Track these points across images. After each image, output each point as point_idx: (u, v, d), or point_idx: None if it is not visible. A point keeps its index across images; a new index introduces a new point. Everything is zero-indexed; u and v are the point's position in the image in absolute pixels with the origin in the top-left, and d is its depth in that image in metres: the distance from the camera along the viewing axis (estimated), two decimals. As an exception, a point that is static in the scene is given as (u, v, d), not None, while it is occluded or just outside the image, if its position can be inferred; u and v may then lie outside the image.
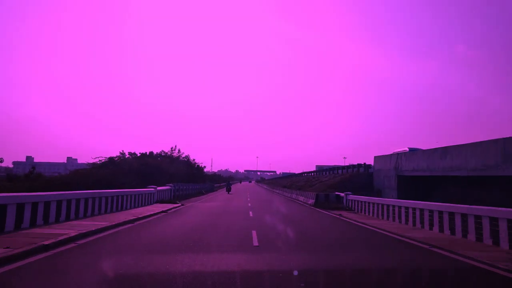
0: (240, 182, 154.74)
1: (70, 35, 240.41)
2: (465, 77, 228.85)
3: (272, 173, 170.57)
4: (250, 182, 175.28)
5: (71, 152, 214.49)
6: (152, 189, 22.39)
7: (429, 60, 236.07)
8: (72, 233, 9.30)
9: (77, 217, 12.86)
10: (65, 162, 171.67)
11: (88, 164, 32.95)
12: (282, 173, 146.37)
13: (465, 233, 10.84)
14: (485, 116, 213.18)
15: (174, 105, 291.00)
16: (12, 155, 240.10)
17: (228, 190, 45.78)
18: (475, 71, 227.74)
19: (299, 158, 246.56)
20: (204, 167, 65.02)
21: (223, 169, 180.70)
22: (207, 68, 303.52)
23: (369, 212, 18.55)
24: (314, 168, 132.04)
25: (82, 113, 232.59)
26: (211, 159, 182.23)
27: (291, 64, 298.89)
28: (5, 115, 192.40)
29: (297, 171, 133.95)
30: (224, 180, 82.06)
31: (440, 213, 12.15)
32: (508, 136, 15.72)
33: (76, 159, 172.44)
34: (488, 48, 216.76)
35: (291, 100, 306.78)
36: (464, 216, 10.94)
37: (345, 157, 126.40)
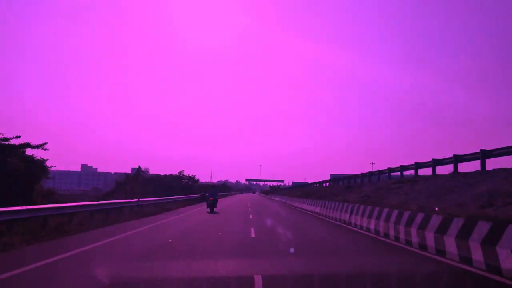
0: (241, 193, 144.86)
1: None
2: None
3: (279, 183, 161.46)
4: (253, 193, 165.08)
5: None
6: None
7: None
8: None
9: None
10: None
11: None
12: (293, 182, 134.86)
13: None
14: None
15: (170, 116, 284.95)
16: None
17: (212, 206, 28.28)
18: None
19: (308, 167, 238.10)
20: None
21: (223, 180, 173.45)
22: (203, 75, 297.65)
23: None
24: (327, 178, 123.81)
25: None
26: (211, 170, 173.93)
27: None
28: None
29: (304, 181, 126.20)
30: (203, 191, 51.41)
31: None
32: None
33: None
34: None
35: (297, 106, 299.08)
36: None
37: (373, 163, 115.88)
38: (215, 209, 28.44)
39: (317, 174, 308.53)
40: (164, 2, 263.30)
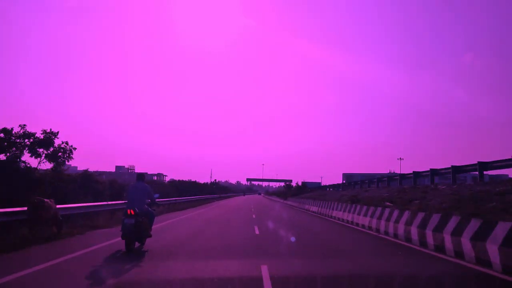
0: (244, 194, 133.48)
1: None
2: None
3: (286, 184, 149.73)
4: (259, 194, 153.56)
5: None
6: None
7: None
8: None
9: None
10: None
11: None
12: (303, 183, 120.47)
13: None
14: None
15: (168, 116, 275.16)
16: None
17: (131, 237, 9.39)
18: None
19: (315, 167, 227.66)
20: None
21: (223, 181, 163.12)
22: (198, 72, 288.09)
23: None
24: (340, 178, 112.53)
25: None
26: (211, 171, 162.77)
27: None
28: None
29: (312, 181, 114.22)
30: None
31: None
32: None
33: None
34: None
35: (298, 106, 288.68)
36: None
37: (401, 158, 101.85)
38: (145, 248, 9.85)
39: (326, 173, 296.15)
40: (164, 4, 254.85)
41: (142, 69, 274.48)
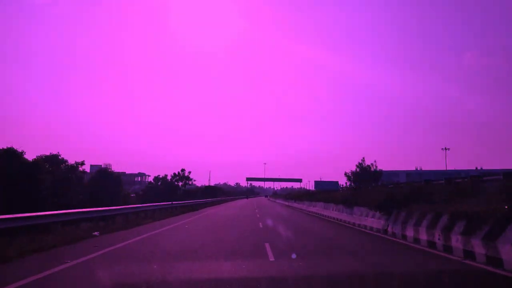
0: (247, 197, 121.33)
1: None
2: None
3: (295, 184, 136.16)
4: (266, 196, 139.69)
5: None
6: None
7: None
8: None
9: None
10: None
11: None
12: (316, 182, 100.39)
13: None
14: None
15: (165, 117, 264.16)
16: None
17: None
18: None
19: (318, 166, 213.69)
20: None
21: (221, 183, 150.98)
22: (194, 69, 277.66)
23: None
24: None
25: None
26: (209, 172, 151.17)
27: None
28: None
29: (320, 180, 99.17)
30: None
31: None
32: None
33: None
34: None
35: (297, 106, 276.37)
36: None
37: (447, 148, 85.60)
38: None
39: (329, 173, 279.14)
40: (163, 6, 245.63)
41: (140, 69, 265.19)
